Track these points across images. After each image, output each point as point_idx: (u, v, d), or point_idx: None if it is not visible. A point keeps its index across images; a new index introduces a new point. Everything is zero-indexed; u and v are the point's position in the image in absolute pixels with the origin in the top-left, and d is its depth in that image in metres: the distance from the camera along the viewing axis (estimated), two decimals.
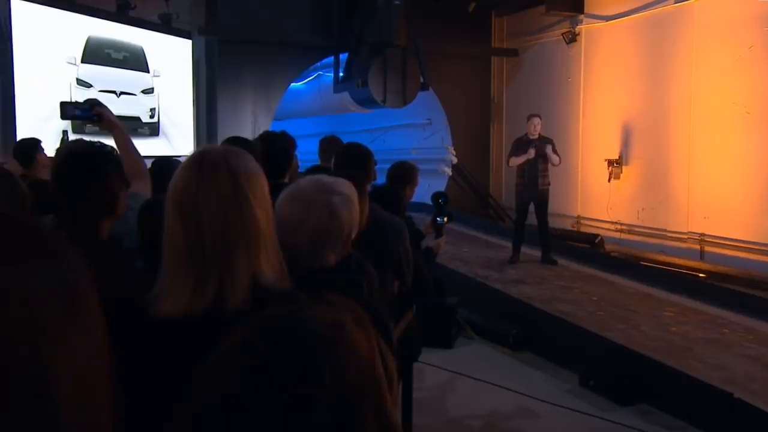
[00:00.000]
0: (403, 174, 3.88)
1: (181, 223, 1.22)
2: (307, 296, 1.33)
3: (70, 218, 1.82)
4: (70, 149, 2.02)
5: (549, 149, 7.46)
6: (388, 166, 4.01)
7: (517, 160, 7.53)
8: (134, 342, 1.19)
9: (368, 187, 2.93)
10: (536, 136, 7.52)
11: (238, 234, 1.22)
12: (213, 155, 1.27)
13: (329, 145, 4.46)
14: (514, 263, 7.71)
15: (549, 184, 7.59)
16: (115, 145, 2.37)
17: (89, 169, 1.86)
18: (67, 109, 2.59)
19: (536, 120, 7.55)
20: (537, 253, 7.89)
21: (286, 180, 3.23)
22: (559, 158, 7.64)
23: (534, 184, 7.48)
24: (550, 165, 7.54)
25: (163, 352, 1.21)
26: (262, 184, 1.29)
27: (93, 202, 1.84)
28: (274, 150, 3.09)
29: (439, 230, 3.97)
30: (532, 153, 7.39)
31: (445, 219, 3.99)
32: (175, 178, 1.27)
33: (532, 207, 7.63)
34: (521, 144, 7.58)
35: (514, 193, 7.99)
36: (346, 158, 3.20)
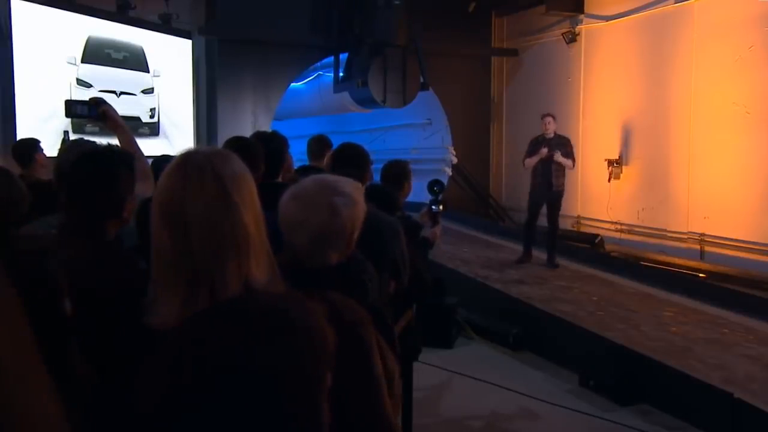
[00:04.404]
0: (398, 173, 3.88)
1: (167, 230, 1.20)
2: (309, 295, 1.34)
3: (78, 218, 1.83)
4: (83, 150, 2.01)
5: (558, 155, 7.29)
6: None
7: (531, 161, 7.41)
8: (136, 350, 1.19)
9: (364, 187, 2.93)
10: (551, 136, 7.41)
11: (226, 239, 1.19)
12: (197, 159, 1.23)
13: (318, 145, 4.46)
14: (524, 263, 7.67)
15: (563, 185, 7.45)
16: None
17: (103, 171, 1.86)
18: (72, 107, 2.59)
19: (549, 119, 7.42)
20: (539, 254, 7.87)
21: (279, 179, 3.24)
22: (573, 161, 7.49)
23: (548, 183, 7.34)
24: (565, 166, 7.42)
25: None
26: (249, 186, 1.26)
27: (103, 203, 1.84)
28: (269, 150, 3.09)
29: (434, 218, 3.99)
30: (544, 152, 7.25)
31: (441, 207, 4.00)
32: (159, 183, 1.25)
33: (543, 209, 7.53)
34: (536, 144, 7.46)
35: (514, 193, 7.97)
36: (342, 159, 3.19)
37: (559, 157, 7.32)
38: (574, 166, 7.58)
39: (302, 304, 1.22)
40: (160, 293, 1.19)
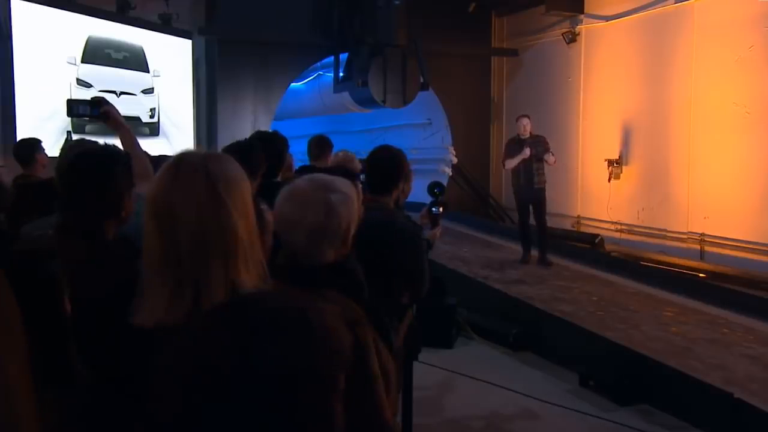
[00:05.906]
0: None
1: (156, 231, 1.20)
2: (308, 293, 1.34)
3: (75, 218, 1.83)
4: (80, 149, 2.01)
5: (548, 156, 7.44)
6: None
7: (512, 162, 7.51)
8: (132, 351, 1.19)
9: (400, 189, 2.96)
10: (527, 136, 7.53)
11: (214, 242, 1.19)
12: (191, 160, 1.23)
13: (318, 145, 4.49)
14: (526, 262, 7.71)
15: (545, 182, 7.58)
16: (120, 145, 2.37)
17: (98, 170, 1.86)
18: (74, 107, 2.59)
19: (525, 120, 7.57)
20: (537, 253, 7.88)
21: (279, 179, 3.24)
22: (554, 157, 7.62)
23: (530, 183, 7.47)
24: (545, 164, 7.54)
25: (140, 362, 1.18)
26: (242, 189, 1.25)
27: (99, 203, 1.84)
28: (270, 150, 3.10)
29: (434, 220, 3.99)
30: (527, 152, 7.37)
31: (440, 209, 4.00)
32: (151, 183, 1.25)
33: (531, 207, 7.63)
34: (514, 145, 7.59)
35: (513, 193, 7.98)
36: (374, 161, 3.14)
37: (548, 157, 7.46)
38: (555, 160, 7.68)
39: (318, 304, 1.21)
40: (147, 292, 1.20)
